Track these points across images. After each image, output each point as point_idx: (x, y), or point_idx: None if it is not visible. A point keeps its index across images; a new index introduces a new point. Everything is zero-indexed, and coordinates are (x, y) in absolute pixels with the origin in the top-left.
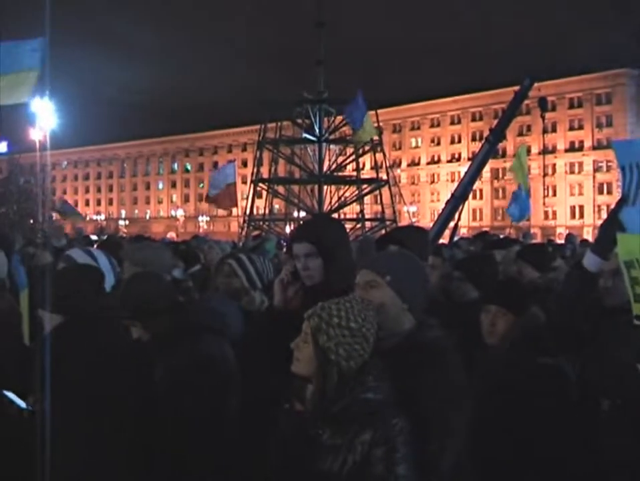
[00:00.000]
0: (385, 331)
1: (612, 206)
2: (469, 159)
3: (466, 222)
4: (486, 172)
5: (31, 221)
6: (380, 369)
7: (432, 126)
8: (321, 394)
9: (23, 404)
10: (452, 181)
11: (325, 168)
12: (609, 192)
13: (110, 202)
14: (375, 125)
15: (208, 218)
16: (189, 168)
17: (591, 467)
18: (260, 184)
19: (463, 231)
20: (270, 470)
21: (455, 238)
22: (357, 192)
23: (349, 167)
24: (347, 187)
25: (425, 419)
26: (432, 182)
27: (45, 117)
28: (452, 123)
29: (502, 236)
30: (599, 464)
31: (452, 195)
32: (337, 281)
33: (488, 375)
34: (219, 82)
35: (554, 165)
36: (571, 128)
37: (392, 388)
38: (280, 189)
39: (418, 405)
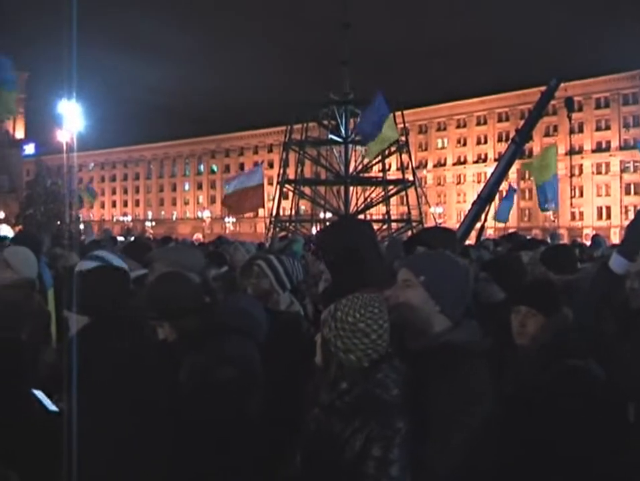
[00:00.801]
0: (414, 331)
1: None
2: (495, 160)
3: (493, 223)
4: (512, 173)
5: (58, 222)
6: (394, 369)
7: (458, 127)
8: (329, 385)
9: (51, 405)
10: (478, 182)
11: (351, 169)
12: (636, 193)
13: (137, 204)
14: (401, 125)
15: (234, 220)
16: (215, 169)
17: (617, 470)
18: (287, 185)
19: (489, 232)
20: (294, 468)
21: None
22: (383, 193)
23: (375, 168)
24: (373, 188)
25: (434, 422)
26: (458, 182)
27: (72, 119)
28: (478, 123)
29: (528, 237)
30: (625, 468)
31: (478, 196)
32: (348, 283)
33: (517, 376)
34: (245, 83)
35: (581, 166)
36: (598, 128)
37: (403, 388)
38: (307, 190)
39: (432, 406)
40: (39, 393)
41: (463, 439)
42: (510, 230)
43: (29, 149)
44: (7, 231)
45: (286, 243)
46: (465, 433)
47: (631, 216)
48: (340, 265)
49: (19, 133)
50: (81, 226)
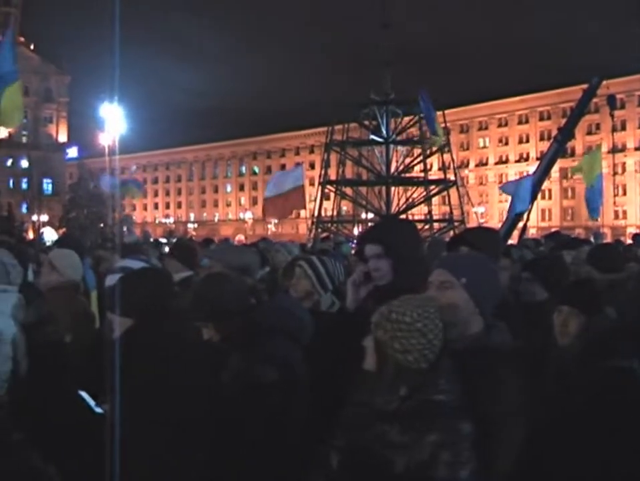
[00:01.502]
0: (453, 332)
1: None
2: (537, 159)
3: (535, 222)
4: (555, 172)
5: (101, 225)
6: (451, 371)
7: (500, 126)
8: (386, 390)
9: (96, 406)
10: None
11: (393, 169)
12: None
13: (179, 206)
14: (443, 125)
15: (276, 220)
16: (257, 170)
17: None
18: (328, 186)
19: (532, 231)
20: (336, 470)
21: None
22: (424, 193)
23: (417, 168)
24: (414, 188)
25: (485, 424)
26: (500, 182)
27: (114, 122)
28: (520, 122)
29: (572, 237)
30: None
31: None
32: (409, 281)
33: (560, 376)
34: (286, 85)
35: (624, 164)
36: None
37: (462, 391)
38: (348, 190)
39: (479, 409)
40: (85, 395)
41: (517, 440)
42: (553, 229)
43: (72, 152)
44: (50, 234)
45: (325, 245)
46: (517, 434)
47: None
48: (404, 264)
49: (62, 137)
50: (124, 229)
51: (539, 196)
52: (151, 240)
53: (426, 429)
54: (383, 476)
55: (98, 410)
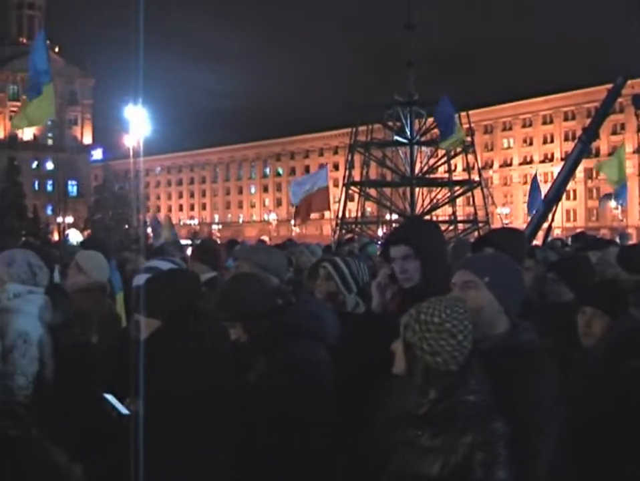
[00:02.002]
0: (479, 332)
1: None
2: (562, 159)
3: (560, 222)
4: (580, 172)
5: (126, 226)
6: (481, 372)
7: (524, 126)
8: (417, 394)
9: (123, 408)
10: (545, 182)
11: (417, 170)
12: None
13: (203, 207)
14: (466, 126)
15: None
16: (281, 172)
17: None
18: (352, 187)
19: (557, 232)
20: (365, 473)
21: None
22: (449, 194)
23: (441, 169)
24: (438, 189)
25: (519, 423)
26: (525, 182)
27: (138, 124)
28: (544, 123)
29: (597, 237)
30: None
31: (545, 196)
32: (435, 283)
33: (584, 377)
34: (310, 86)
35: None
36: None
37: (493, 391)
38: (372, 192)
39: (511, 409)
40: (111, 397)
41: (551, 440)
42: (578, 230)
43: (97, 154)
44: (75, 235)
45: (350, 246)
46: (551, 433)
47: None
48: (432, 265)
49: (87, 139)
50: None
51: (564, 196)
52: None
53: (459, 431)
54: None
55: (124, 411)
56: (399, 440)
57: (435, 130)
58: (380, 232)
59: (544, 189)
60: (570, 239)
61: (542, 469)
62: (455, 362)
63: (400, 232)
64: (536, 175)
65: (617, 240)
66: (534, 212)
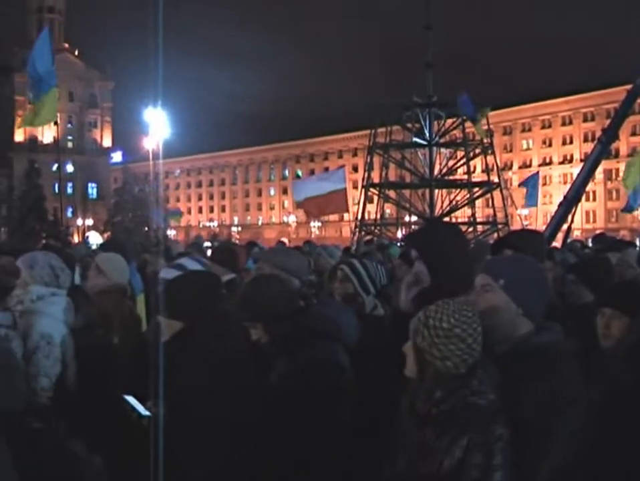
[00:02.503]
0: (498, 335)
1: None
2: (581, 160)
3: (579, 224)
4: (599, 173)
5: (146, 228)
6: (488, 374)
7: (543, 127)
8: (425, 395)
9: (143, 410)
10: (564, 183)
11: (436, 171)
12: None
13: (222, 209)
14: (485, 127)
15: (319, 224)
16: (300, 174)
17: None
18: (372, 189)
19: (576, 233)
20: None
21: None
22: (468, 195)
23: (460, 170)
24: (458, 190)
25: (527, 427)
26: (544, 184)
27: (158, 126)
28: (564, 124)
29: (617, 239)
30: None
31: (565, 197)
32: (444, 286)
33: (604, 379)
34: (329, 88)
35: None
36: None
37: (499, 393)
38: (392, 193)
39: (521, 411)
40: (131, 398)
41: (561, 445)
42: (597, 231)
43: (117, 157)
44: (95, 238)
45: (370, 248)
46: (563, 437)
47: None
48: (439, 268)
49: (107, 142)
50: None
51: (583, 197)
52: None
53: (459, 432)
54: (428, 478)
55: (145, 413)
56: (404, 440)
57: (454, 132)
58: (399, 234)
59: (564, 190)
60: (590, 240)
61: (547, 473)
62: (465, 365)
63: (411, 234)
64: (538, 173)
65: (637, 241)
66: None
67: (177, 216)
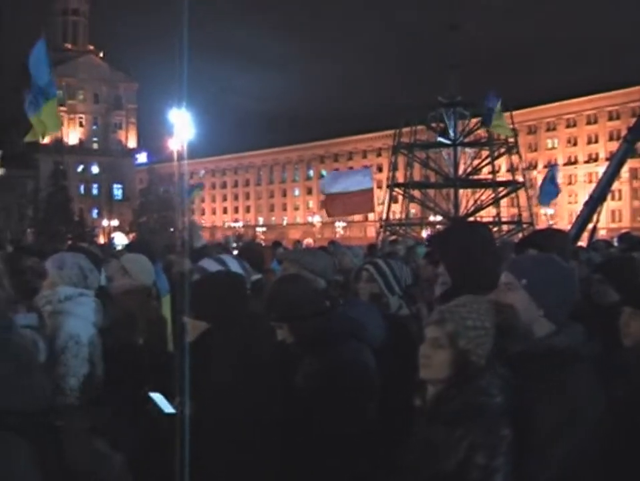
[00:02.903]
0: (516, 335)
1: None
2: (606, 159)
3: (605, 223)
4: (625, 172)
5: (171, 229)
6: (498, 374)
7: (568, 126)
8: (439, 393)
9: (168, 408)
10: (590, 182)
11: (461, 171)
12: None
13: (247, 210)
14: (510, 127)
15: (344, 224)
16: (324, 174)
17: None
18: (396, 189)
19: (602, 233)
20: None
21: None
22: (493, 195)
23: (485, 170)
24: (482, 190)
25: (536, 430)
26: (569, 183)
27: (182, 127)
28: (588, 123)
29: None
30: None
31: (590, 196)
32: (465, 286)
33: (626, 378)
34: (353, 88)
35: None
36: None
37: (507, 394)
38: (416, 193)
39: (529, 412)
40: (157, 396)
41: (567, 450)
42: (623, 230)
43: (142, 158)
44: (121, 238)
45: (392, 247)
46: (569, 444)
47: None
48: (458, 268)
49: (132, 143)
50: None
51: (609, 197)
52: (233, 244)
53: (464, 431)
54: (432, 476)
55: (170, 411)
56: (415, 437)
57: (479, 131)
58: (424, 234)
59: (589, 189)
60: (615, 240)
61: (550, 475)
62: (483, 353)
63: (433, 235)
64: (555, 166)
65: None
66: (546, 202)
67: (198, 190)
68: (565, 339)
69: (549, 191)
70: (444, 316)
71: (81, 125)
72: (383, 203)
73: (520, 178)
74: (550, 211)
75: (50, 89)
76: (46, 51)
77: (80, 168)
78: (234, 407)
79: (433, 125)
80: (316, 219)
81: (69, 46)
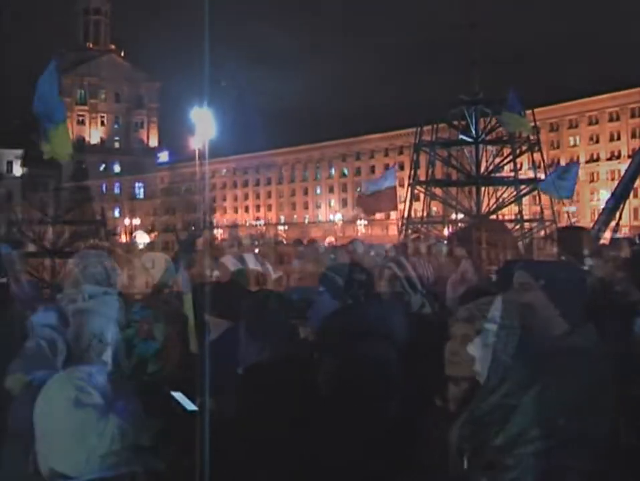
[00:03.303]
0: (532, 335)
1: None
2: (629, 156)
3: (627, 221)
4: None
5: (193, 228)
6: (520, 375)
7: (590, 124)
8: (460, 394)
9: (189, 405)
10: (612, 179)
11: (482, 169)
12: None
13: (269, 208)
14: (532, 124)
15: (365, 222)
16: (346, 172)
17: None
18: (418, 187)
19: (624, 231)
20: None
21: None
22: (515, 192)
23: (507, 167)
24: (504, 188)
25: (549, 429)
26: (592, 180)
27: (204, 126)
28: (611, 120)
29: None
30: None
31: (613, 194)
32: (482, 284)
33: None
34: (374, 86)
35: None
36: None
37: (520, 394)
38: (438, 191)
39: (549, 413)
40: (178, 394)
41: (582, 443)
42: None
43: (163, 157)
44: (143, 237)
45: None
46: (582, 436)
47: None
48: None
49: (153, 142)
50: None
51: (631, 194)
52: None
53: (490, 435)
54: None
55: (192, 408)
56: (433, 436)
57: (500, 129)
58: (446, 232)
59: (611, 187)
60: (638, 237)
61: (559, 472)
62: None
63: (455, 233)
64: (578, 160)
65: None
66: (567, 195)
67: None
68: (579, 338)
69: (567, 186)
70: (473, 313)
71: (102, 124)
72: (404, 201)
73: (542, 176)
74: (572, 209)
75: (59, 114)
76: (57, 75)
77: (102, 167)
78: (256, 405)
79: (455, 122)
80: (338, 217)
81: (91, 45)
